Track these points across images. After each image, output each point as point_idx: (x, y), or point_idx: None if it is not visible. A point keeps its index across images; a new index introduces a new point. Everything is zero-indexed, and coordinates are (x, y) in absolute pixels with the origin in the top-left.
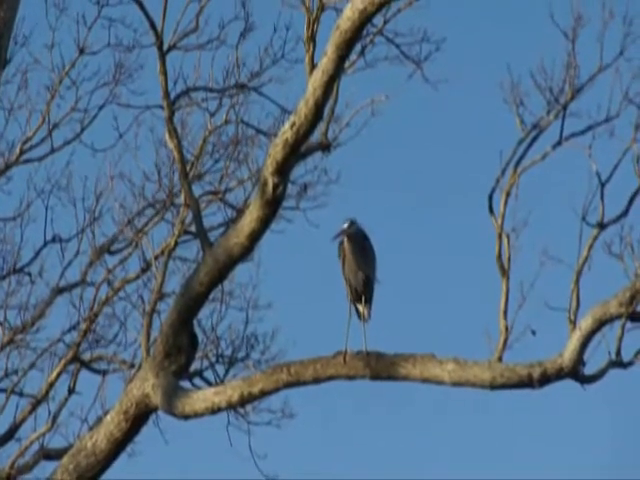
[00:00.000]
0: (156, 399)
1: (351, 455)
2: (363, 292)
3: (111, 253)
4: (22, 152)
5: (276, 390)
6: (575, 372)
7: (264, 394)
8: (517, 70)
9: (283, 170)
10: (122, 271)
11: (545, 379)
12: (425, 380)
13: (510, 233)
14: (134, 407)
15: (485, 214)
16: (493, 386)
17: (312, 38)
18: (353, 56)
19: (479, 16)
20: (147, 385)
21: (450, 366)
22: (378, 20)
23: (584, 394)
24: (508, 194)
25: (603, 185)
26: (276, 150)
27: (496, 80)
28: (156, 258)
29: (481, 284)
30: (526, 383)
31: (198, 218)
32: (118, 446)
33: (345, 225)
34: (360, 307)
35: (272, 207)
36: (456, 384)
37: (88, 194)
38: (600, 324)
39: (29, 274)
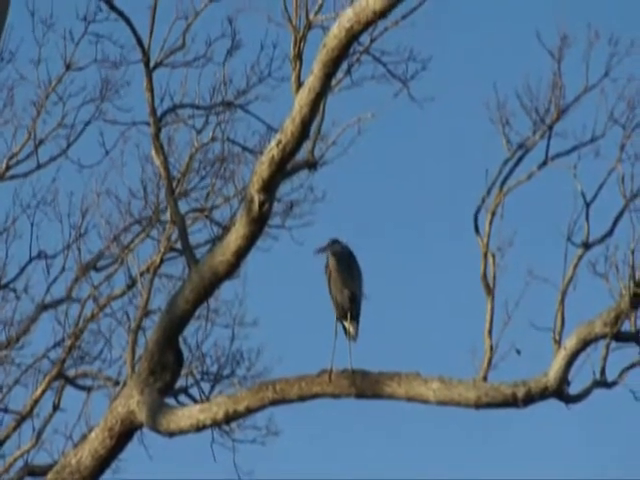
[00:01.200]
0: (141, 416)
1: (337, 470)
2: (349, 309)
3: (97, 270)
4: (8, 168)
5: (261, 408)
6: (560, 392)
7: (249, 411)
8: (503, 90)
9: (269, 188)
10: (107, 288)
11: (530, 398)
12: (410, 399)
13: (495, 252)
14: (119, 424)
15: (471, 233)
16: (478, 405)
17: (299, 56)
18: (340, 74)
19: (465, 35)
20: (132, 402)
21: (435, 385)
22: (365, 39)
23: (569, 412)
24: (493, 213)
25: (588, 205)
26: (262, 168)
27: (482, 99)
28: (142, 275)
29: (466, 303)
30: (511, 402)
31: (184, 235)
32: (102, 463)
33: (329, 241)
34: (347, 325)
35: (258, 224)
36: (441, 403)
37: (74, 210)
38: (585, 344)
39: (14, 290)
